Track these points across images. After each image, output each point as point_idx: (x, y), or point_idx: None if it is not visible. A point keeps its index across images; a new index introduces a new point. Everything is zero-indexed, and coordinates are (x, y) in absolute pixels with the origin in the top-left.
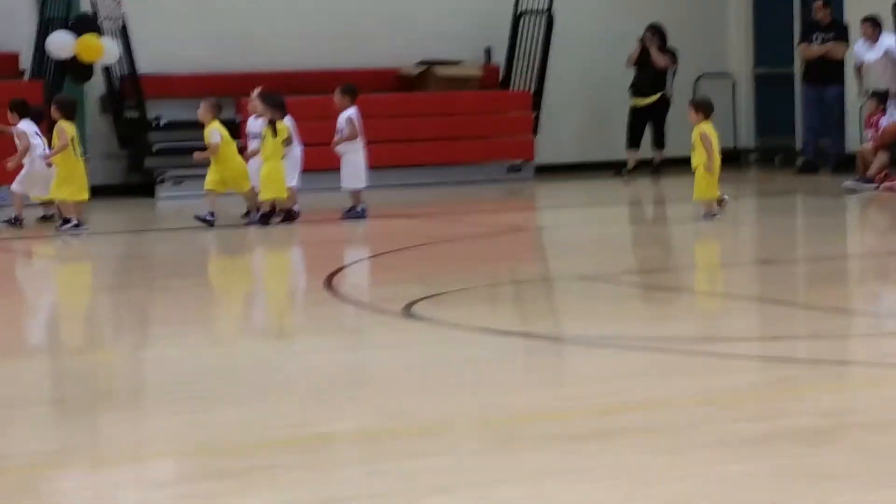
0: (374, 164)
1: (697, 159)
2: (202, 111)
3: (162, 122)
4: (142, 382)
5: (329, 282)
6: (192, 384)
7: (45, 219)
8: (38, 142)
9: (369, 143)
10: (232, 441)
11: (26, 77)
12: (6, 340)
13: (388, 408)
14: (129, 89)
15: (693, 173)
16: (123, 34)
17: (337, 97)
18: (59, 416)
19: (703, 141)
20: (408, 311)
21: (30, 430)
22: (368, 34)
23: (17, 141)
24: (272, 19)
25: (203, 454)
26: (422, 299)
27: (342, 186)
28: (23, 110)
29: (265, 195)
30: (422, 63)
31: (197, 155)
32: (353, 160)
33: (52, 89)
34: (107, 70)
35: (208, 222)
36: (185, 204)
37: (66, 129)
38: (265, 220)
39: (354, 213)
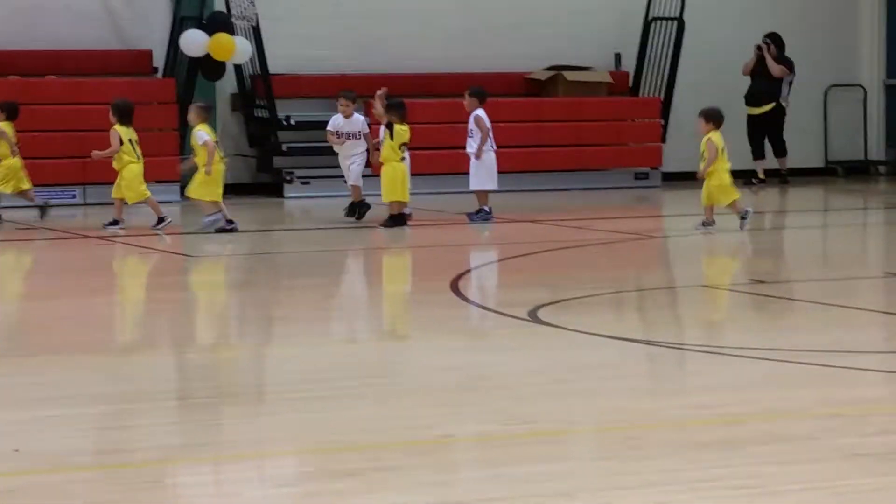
0: (502, 169)
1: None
2: (190, 114)
3: (292, 122)
4: (266, 380)
5: (455, 284)
6: (315, 383)
7: None
8: None
9: (496, 148)
10: (354, 441)
11: (159, 74)
12: (133, 336)
13: (512, 412)
14: (259, 88)
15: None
16: (256, 33)
17: (466, 99)
18: (184, 412)
19: (708, 148)
20: (533, 315)
21: (155, 425)
22: (497, 38)
23: None
24: (402, 21)
25: (325, 453)
26: (547, 304)
27: (471, 188)
28: None
29: (386, 197)
30: (551, 68)
31: (185, 164)
32: (483, 161)
33: (185, 87)
34: (238, 69)
35: (230, 230)
36: (312, 203)
37: (120, 133)
38: (392, 222)
39: (482, 215)
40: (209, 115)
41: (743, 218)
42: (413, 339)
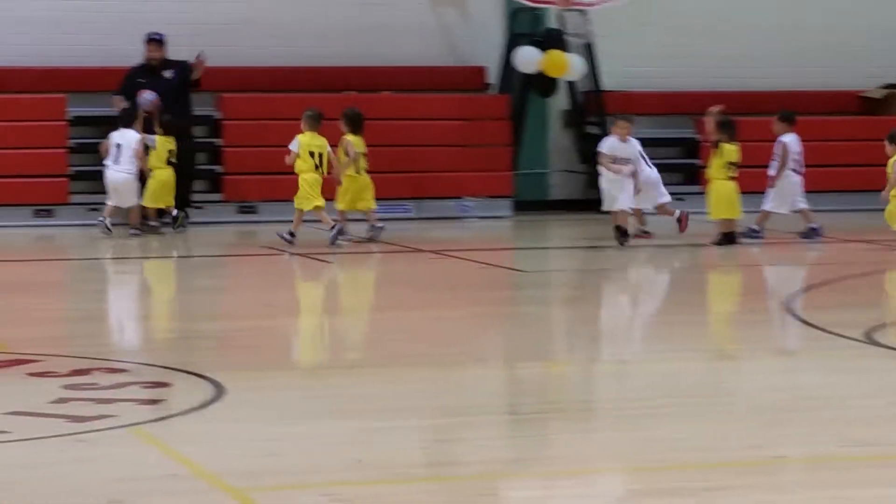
0: (833, 187)
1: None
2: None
3: None
4: (594, 396)
5: (786, 303)
6: (644, 400)
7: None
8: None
9: (826, 166)
10: (683, 460)
11: (492, 91)
12: (464, 349)
13: (846, 434)
14: (592, 105)
15: None
16: (589, 50)
17: (775, 123)
18: (515, 426)
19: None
20: (868, 336)
21: (486, 438)
22: (829, 56)
23: None
24: (735, 39)
25: (655, 471)
26: (882, 325)
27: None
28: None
29: (714, 215)
30: (887, 86)
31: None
32: (780, 184)
33: (518, 103)
34: (571, 85)
35: (287, 240)
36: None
37: (353, 142)
38: (723, 240)
39: (754, 234)
40: (316, 124)
41: None
42: (745, 358)
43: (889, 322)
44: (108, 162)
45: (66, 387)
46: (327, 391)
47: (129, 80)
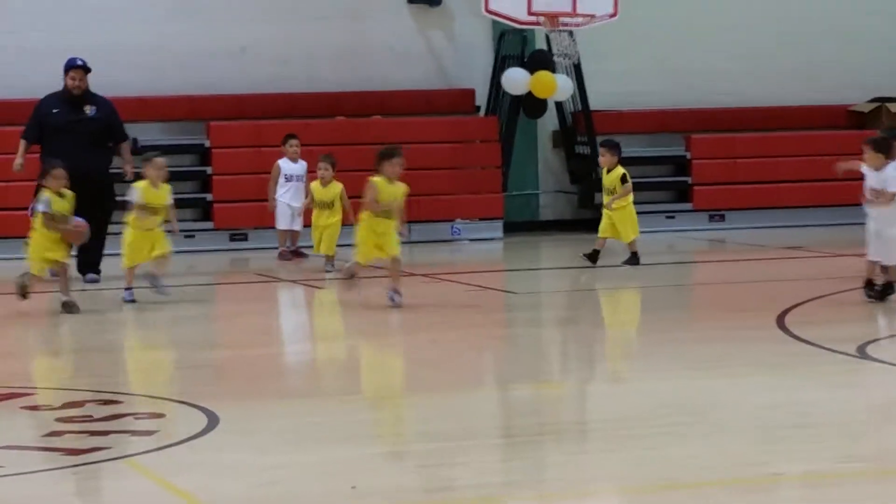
0: (826, 202)
1: None
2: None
3: None
4: (590, 417)
5: (781, 319)
6: (640, 420)
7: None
8: None
9: (815, 181)
10: (681, 479)
11: (481, 113)
12: (458, 373)
13: (843, 449)
14: (581, 125)
15: None
16: (577, 71)
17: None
18: (510, 449)
19: None
20: (862, 351)
21: (481, 462)
22: (818, 70)
23: None
24: (723, 56)
25: (652, 492)
26: (875, 340)
27: None
28: None
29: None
30: (874, 100)
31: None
32: None
33: (507, 125)
34: (559, 106)
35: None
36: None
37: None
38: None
39: None
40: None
41: None
42: (738, 375)
43: (882, 336)
44: None
45: (60, 419)
46: (321, 418)
47: (40, 113)
